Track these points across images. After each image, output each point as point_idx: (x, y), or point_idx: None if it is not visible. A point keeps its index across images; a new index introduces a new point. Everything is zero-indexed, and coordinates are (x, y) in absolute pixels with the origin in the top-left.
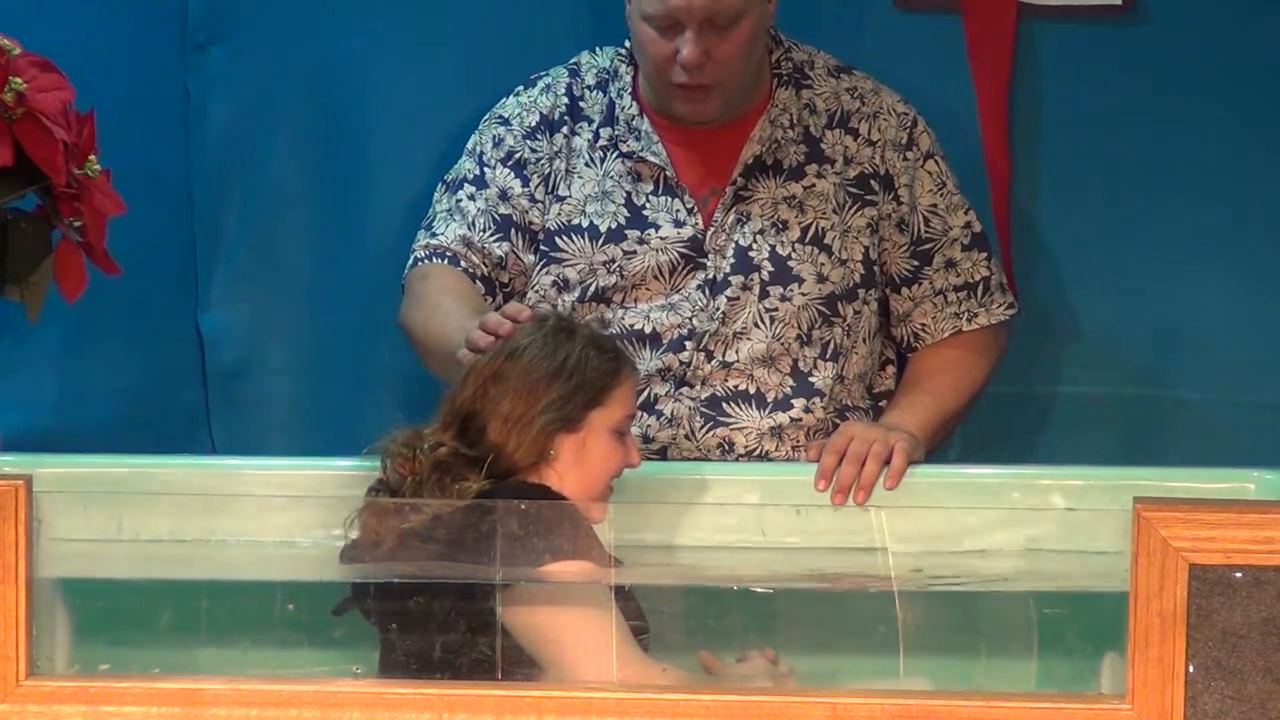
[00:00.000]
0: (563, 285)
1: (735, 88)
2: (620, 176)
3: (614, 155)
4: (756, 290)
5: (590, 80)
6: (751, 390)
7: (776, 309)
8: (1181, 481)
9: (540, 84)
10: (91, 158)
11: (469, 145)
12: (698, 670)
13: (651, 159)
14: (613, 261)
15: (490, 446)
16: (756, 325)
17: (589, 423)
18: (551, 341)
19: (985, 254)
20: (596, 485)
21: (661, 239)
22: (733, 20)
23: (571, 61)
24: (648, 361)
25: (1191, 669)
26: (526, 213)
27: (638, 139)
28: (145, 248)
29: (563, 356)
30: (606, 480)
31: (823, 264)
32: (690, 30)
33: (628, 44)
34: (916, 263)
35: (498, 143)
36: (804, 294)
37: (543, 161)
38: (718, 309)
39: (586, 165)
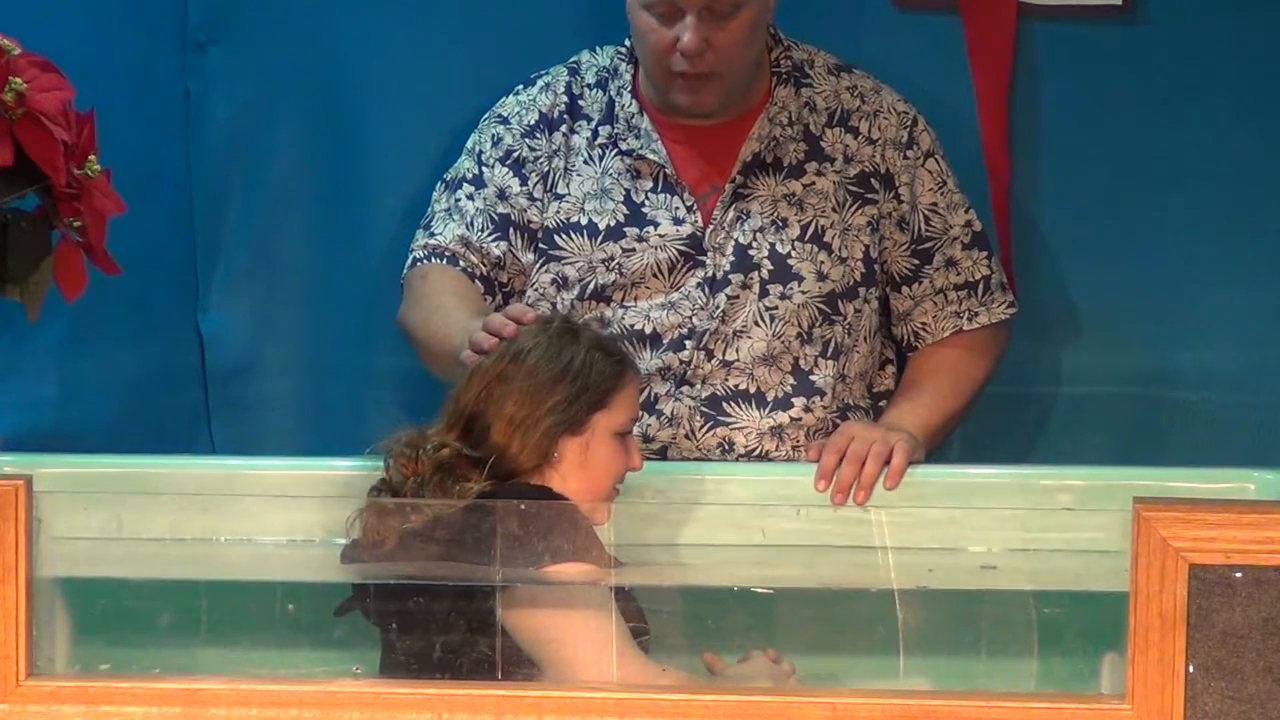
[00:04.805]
0: (562, 283)
1: (735, 78)
2: (619, 174)
3: (613, 153)
4: (756, 288)
5: (590, 79)
6: (752, 389)
7: (776, 307)
8: (1181, 481)
9: (540, 82)
10: (91, 158)
11: (468, 144)
12: (698, 671)
13: (651, 156)
14: (612, 259)
15: (493, 448)
16: (757, 324)
17: (592, 425)
18: (556, 344)
19: (986, 253)
20: (599, 488)
21: (660, 236)
22: (733, 8)
23: (571, 60)
24: (648, 361)
25: (1191, 669)
26: (525, 211)
27: (637, 137)
28: (145, 248)
29: (567, 359)
30: (609, 483)
31: (823, 262)
32: (691, 17)
33: (628, 42)
34: (917, 261)
35: (496, 142)
36: (804, 292)
37: (541, 160)
38: (717, 307)
39: (585, 163)
